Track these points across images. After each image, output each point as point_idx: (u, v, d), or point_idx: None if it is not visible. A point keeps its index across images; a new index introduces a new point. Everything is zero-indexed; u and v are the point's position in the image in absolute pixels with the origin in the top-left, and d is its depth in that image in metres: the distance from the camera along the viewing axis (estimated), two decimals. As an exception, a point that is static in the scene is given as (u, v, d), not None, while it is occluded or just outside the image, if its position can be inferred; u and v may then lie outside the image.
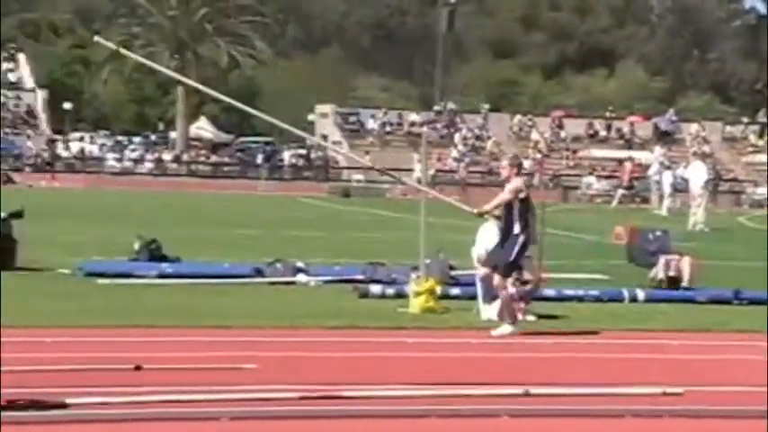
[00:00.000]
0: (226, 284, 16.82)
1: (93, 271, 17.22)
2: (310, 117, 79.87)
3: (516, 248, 13.24)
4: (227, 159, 75.45)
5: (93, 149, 72.98)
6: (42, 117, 71.46)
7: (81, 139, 74.82)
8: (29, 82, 73.70)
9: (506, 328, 13.23)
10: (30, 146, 67.22)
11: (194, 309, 14.30)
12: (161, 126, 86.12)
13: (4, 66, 74.14)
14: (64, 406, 8.54)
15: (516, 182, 13.43)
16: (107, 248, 20.97)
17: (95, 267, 17.53)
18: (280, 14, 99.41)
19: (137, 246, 18.85)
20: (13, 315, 13.00)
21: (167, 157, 74.06)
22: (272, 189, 57.10)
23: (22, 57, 75.55)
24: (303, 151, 75.20)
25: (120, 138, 78.11)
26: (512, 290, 13.45)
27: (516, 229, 13.29)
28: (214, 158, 74.90)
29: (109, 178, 60.91)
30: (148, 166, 71.88)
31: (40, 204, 30.70)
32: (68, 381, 9.44)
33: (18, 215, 18.41)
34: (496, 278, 13.38)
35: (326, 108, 79.13)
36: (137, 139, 77.57)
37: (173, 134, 79.37)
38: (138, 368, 10.05)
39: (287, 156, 74.79)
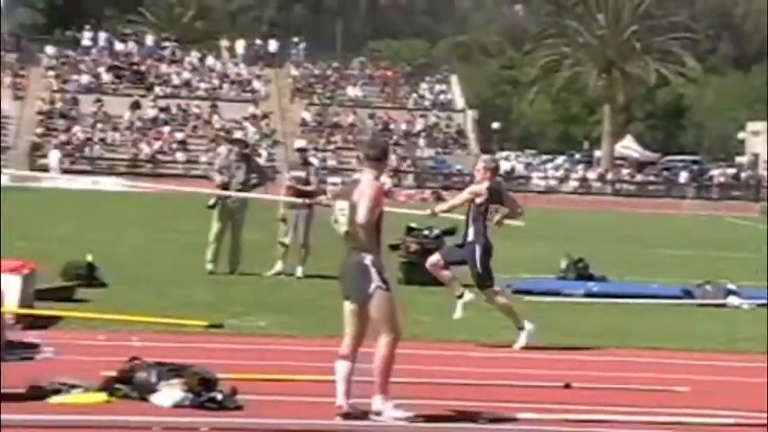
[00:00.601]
0: (653, 305, 16.56)
1: (520, 288, 17.40)
2: (740, 135, 77.48)
3: (477, 259, 12.47)
4: (651, 178, 74.56)
5: (519, 168, 74.33)
6: (471, 137, 73.48)
7: (507, 157, 76.42)
8: (459, 103, 75.97)
9: (524, 338, 12.37)
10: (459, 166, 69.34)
11: (622, 329, 14.16)
12: (586, 145, 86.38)
13: (437, 87, 76.84)
14: (513, 420, 8.69)
15: (481, 185, 12.60)
16: (534, 266, 21.21)
17: (523, 285, 17.73)
18: (711, 30, 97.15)
19: (564, 264, 18.94)
20: (443, 329, 13.38)
21: (592, 175, 74.15)
22: (697, 208, 55.81)
23: (453, 78, 78.03)
24: (732, 170, 73.07)
25: (544, 156, 79.07)
26: None
27: (470, 235, 12.55)
28: (639, 177, 74.24)
29: (534, 196, 61.75)
30: (573, 184, 72.29)
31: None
32: (495, 395, 9.60)
33: (450, 233, 18.94)
34: (485, 295, 12.67)
35: (759, 125, 76.45)
36: (561, 158, 78.23)
37: (597, 153, 79.40)
38: (567, 386, 10.07)
39: (716, 174, 72.92)
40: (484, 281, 12.63)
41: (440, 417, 8.64)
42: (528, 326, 12.49)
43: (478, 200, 12.57)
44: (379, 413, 8.52)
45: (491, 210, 12.61)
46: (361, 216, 8.53)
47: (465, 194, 12.84)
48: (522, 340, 12.42)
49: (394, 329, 8.60)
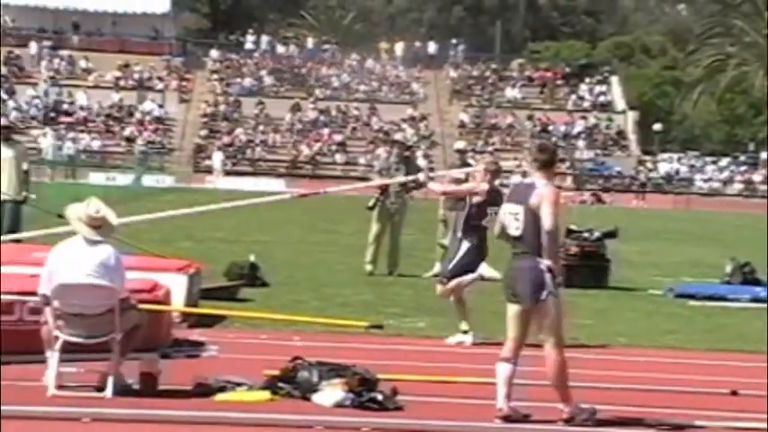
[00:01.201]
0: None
1: (683, 292, 17.13)
2: None
3: (459, 254, 12.13)
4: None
5: (682, 170, 73.06)
6: (632, 138, 72.50)
7: (668, 159, 75.14)
8: (620, 104, 74.97)
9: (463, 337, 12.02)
10: (618, 167, 68.53)
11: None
12: (751, 146, 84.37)
13: (597, 88, 75.98)
14: (692, 427, 8.58)
15: (481, 186, 12.18)
16: (698, 270, 20.80)
17: (686, 289, 17.44)
18: None
19: (728, 268, 18.53)
20: (603, 333, 13.22)
21: (757, 177, 72.40)
22: None
23: (614, 79, 77.04)
24: None
25: (708, 158, 77.52)
26: None
27: (459, 232, 12.21)
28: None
29: (697, 199, 60.56)
30: (737, 187, 70.75)
31: (632, 224, 31.05)
32: (661, 401, 9.43)
33: (611, 235, 18.73)
34: (438, 286, 12.31)
35: None
36: (725, 160, 76.60)
37: (763, 155, 77.43)
38: (734, 393, 9.82)
39: None
40: (452, 274, 12.27)
41: (609, 421, 8.52)
42: (466, 335, 12.15)
43: (475, 199, 12.25)
44: (569, 420, 8.42)
45: (489, 212, 12.07)
46: (548, 222, 8.44)
47: (463, 188, 12.85)
48: (458, 338, 12.13)
49: (560, 335, 8.52)
